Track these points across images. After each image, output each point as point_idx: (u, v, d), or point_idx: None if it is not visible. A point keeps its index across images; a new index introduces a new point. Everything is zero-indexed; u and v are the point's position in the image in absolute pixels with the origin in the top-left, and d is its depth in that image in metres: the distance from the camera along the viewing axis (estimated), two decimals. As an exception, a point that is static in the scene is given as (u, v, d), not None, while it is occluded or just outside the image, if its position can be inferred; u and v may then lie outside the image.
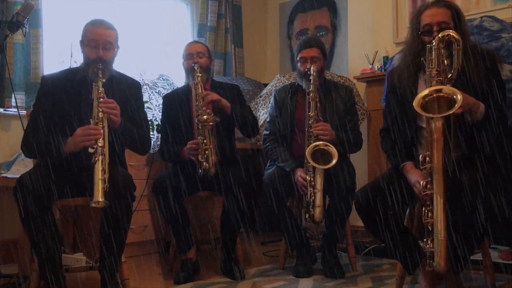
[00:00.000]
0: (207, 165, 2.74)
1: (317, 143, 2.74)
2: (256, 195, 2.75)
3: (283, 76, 3.90)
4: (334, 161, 2.67)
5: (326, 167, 2.68)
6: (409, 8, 3.87)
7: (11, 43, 3.10)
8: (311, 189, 2.71)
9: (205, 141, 2.75)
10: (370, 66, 3.94)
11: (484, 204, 1.99)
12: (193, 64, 2.90)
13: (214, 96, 2.82)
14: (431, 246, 2.02)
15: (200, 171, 2.76)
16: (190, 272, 2.74)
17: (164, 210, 2.77)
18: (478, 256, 2.43)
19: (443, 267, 2.00)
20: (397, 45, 3.85)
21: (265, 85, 4.10)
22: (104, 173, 2.17)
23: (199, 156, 2.76)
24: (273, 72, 4.56)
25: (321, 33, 4.50)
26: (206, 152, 2.74)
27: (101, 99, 2.29)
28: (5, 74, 3.06)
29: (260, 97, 3.85)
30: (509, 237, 2.79)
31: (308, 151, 2.72)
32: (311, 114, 2.81)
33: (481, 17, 3.07)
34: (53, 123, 2.37)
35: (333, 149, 2.70)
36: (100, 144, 2.20)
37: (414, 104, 1.99)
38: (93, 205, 2.14)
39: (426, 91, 2.01)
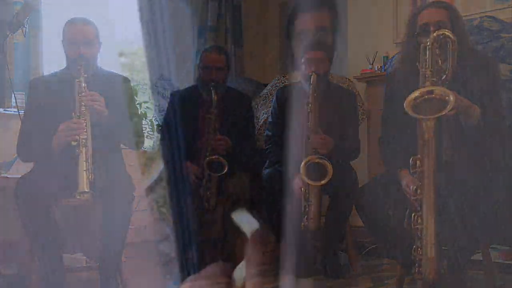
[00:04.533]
0: (208, 206, 2.79)
1: (310, 157, 2.67)
2: (258, 195, 2.75)
3: (283, 76, 3.89)
4: (327, 178, 2.59)
5: (319, 184, 2.60)
6: (409, 8, 3.87)
7: (11, 43, 3.10)
8: (306, 202, 2.66)
9: (209, 184, 2.77)
10: (370, 66, 3.94)
11: (481, 207, 1.97)
12: (210, 82, 2.85)
13: (222, 151, 2.82)
14: (420, 253, 1.92)
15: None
16: (190, 272, 2.73)
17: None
18: (478, 256, 2.43)
19: (433, 274, 1.89)
20: (397, 45, 3.83)
21: (265, 85, 4.09)
22: (88, 164, 2.16)
23: (201, 189, 2.80)
24: (273, 72, 4.55)
25: (321, 33, 4.48)
26: (208, 193, 2.78)
27: (83, 93, 2.27)
28: (5, 74, 3.06)
29: (260, 97, 3.85)
30: (508, 237, 2.79)
31: (302, 167, 2.63)
32: (310, 125, 2.75)
33: (481, 17, 3.06)
34: (45, 125, 2.37)
35: (328, 165, 2.61)
36: (82, 137, 2.19)
37: (405, 105, 1.91)
38: (78, 196, 2.11)
39: (417, 93, 1.92)
